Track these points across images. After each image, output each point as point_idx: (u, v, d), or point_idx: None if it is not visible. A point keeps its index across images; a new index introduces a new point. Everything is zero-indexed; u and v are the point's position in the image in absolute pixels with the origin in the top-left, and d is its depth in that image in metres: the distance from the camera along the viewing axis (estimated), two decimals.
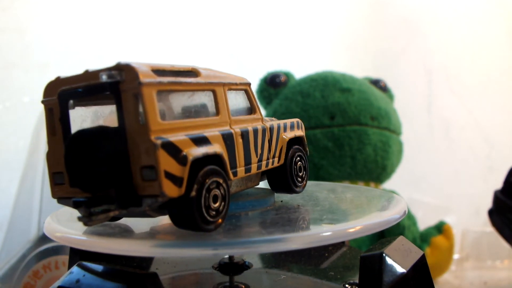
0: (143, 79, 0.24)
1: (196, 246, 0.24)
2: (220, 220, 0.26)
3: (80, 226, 0.30)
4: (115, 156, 0.24)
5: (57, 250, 0.48)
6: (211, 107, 0.28)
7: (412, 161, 0.74)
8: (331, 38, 0.88)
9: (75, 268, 0.27)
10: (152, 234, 0.27)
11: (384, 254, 0.26)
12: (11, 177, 0.64)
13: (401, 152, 0.64)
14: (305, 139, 0.36)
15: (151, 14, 0.78)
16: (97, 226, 0.29)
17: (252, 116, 0.31)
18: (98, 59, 0.73)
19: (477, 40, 0.92)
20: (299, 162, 0.34)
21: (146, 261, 0.36)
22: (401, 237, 0.29)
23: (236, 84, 0.30)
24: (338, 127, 0.58)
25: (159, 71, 0.25)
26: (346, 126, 0.58)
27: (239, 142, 0.28)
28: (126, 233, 0.28)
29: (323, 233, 0.25)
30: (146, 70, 0.24)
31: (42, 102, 0.27)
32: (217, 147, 0.26)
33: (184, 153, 0.24)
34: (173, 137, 0.24)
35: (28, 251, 0.50)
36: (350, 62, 0.86)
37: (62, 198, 0.27)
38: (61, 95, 0.26)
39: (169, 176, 0.23)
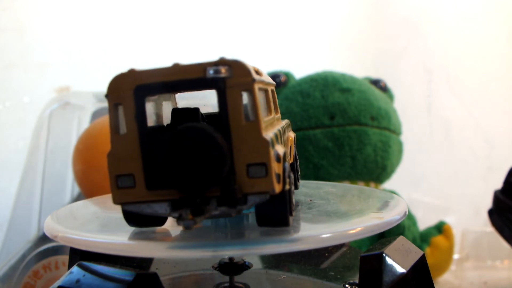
0: (254, 76, 0.23)
1: (197, 248, 0.24)
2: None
3: (80, 226, 0.30)
4: (223, 153, 0.23)
5: (57, 250, 0.47)
6: (264, 105, 0.28)
7: (412, 161, 0.74)
8: (331, 38, 0.88)
9: (75, 268, 0.26)
10: (152, 235, 0.27)
11: (384, 254, 0.26)
12: (11, 177, 0.64)
13: (401, 152, 0.64)
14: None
15: (151, 14, 0.78)
16: (96, 227, 0.29)
17: (277, 116, 0.32)
18: (98, 59, 0.74)
19: (477, 40, 0.92)
20: (298, 160, 0.35)
21: (146, 261, 0.36)
22: (401, 237, 0.29)
23: (272, 84, 0.31)
24: (338, 127, 0.58)
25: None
26: (346, 126, 0.58)
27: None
28: (126, 233, 0.28)
29: (323, 234, 0.25)
30: (251, 67, 0.24)
31: (107, 96, 0.25)
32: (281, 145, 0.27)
33: (279, 150, 0.24)
34: (270, 135, 0.24)
35: (28, 251, 0.50)
36: (350, 62, 0.86)
37: (129, 203, 0.25)
38: (139, 90, 0.24)
39: (275, 172, 0.23)
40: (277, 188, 0.24)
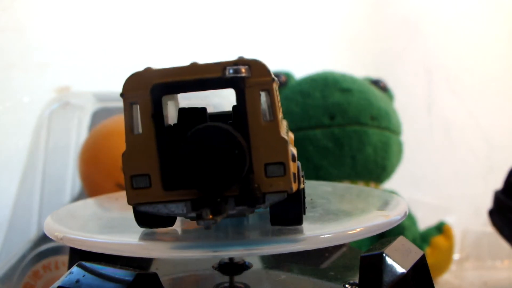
0: (273, 76, 0.24)
1: (198, 248, 0.24)
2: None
3: (80, 226, 0.30)
4: (244, 152, 0.23)
5: (57, 250, 0.47)
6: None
7: (412, 161, 0.74)
8: (331, 38, 0.88)
9: (75, 268, 0.26)
10: (152, 235, 0.27)
11: (384, 254, 0.26)
12: (11, 177, 0.64)
13: (401, 152, 0.64)
14: None
15: (151, 14, 0.78)
16: (96, 227, 0.29)
17: (281, 115, 0.32)
18: (98, 59, 0.73)
19: (477, 40, 0.92)
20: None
21: (146, 261, 0.36)
22: (401, 237, 0.29)
23: (278, 83, 0.31)
24: (338, 127, 0.58)
25: None
26: (346, 126, 0.58)
27: None
28: (126, 234, 0.27)
29: (323, 235, 0.25)
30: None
31: (122, 95, 0.24)
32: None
33: (293, 150, 0.25)
34: (285, 134, 0.25)
35: (28, 251, 0.50)
36: (350, 62, 0.86)
37: (144, 203, 0.25)
38: (157, 89, 0.24)
39: (292, 172, 0.24)
40: (294, 187, 0.24)
